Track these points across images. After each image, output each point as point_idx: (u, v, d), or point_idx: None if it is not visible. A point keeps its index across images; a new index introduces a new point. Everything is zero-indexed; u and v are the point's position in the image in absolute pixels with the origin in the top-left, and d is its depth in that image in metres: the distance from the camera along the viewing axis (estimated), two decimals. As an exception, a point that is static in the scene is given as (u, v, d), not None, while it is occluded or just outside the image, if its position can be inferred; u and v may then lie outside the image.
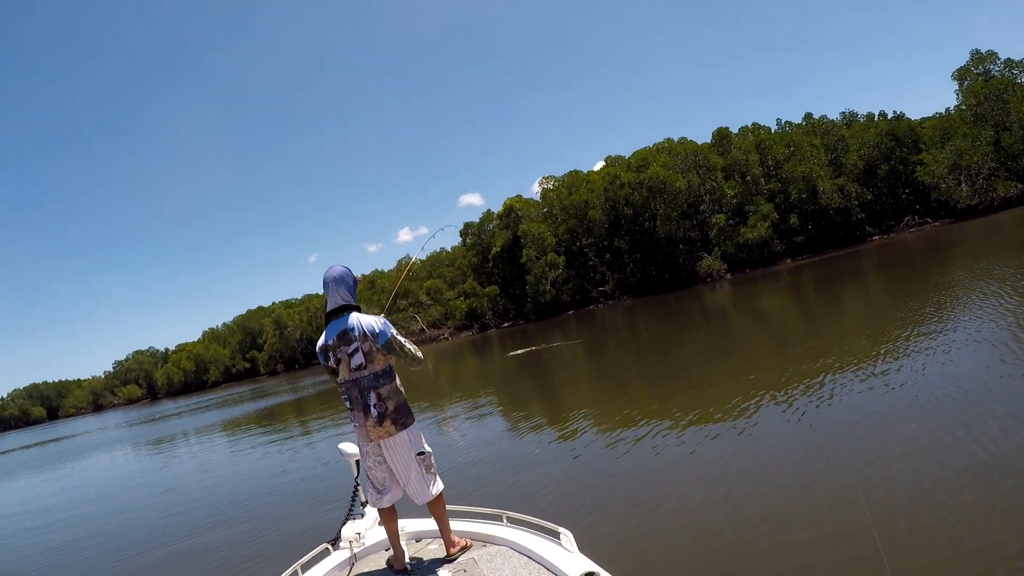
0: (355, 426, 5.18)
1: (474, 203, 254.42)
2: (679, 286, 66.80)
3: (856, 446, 8.95)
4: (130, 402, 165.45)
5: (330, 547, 5.75)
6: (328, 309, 5.21)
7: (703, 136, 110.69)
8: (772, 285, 45.04)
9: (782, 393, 12.81)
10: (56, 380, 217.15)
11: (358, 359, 5.03)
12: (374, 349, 5.04)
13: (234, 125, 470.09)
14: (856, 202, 68.07)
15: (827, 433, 9.75)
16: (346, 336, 5.05)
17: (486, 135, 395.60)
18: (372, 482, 5.31)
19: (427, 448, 5.28)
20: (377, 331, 5.04)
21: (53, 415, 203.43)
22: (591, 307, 71.88)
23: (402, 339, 5.17)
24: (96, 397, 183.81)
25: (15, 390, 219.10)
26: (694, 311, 40.68)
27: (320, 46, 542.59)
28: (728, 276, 66.15)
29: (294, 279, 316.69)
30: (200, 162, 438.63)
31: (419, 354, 5.29)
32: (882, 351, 14.47)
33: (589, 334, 40.68)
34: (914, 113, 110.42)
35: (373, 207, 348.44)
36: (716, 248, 68.19)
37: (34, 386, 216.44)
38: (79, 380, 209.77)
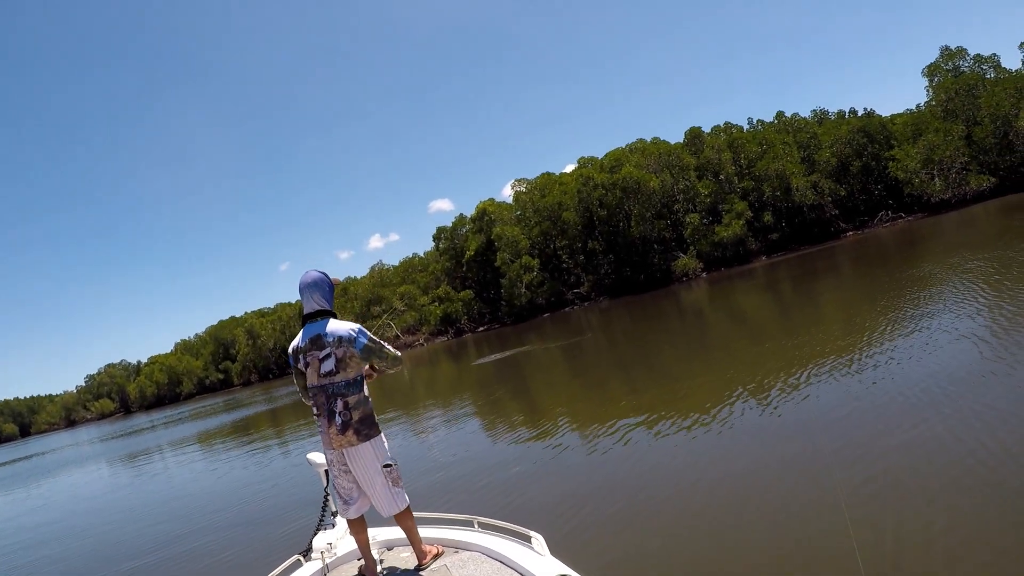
0: (320, 433, 5.12)
1: (444, 208, 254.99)
2: (655, 286, 66.62)
3: (836, 444, 8.82)
4: (103, 416, 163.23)
5: (302, 558, 5.67)
6: (305, 312, 5.17)
7: (675, 136, 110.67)
8: (748, 283, 44.85)
9: (760, 391, 12.60)
10: (28, 396, 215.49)
11: (329, 364, 4.97)
12: (348, 355, 4.96)
13: (204, 136, 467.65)
14: (829, 199, 68.05)
15: (806, 432, 9.54)
16: (319, 341, 5.01)
17: (455, 141, 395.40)
18: (339, 492, 5.25)
19: (392, 460, 5.16)
20: (353, 337, 4.98)
21: (25, 432, 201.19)
22: (567, 309, 71.50)
23: (378, 340, 5.11)
24: (69, 412, 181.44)
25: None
26: (670, 310, 40.60)
27: (288, 58, 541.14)
28: (704, 275, 65.85)
29: (266, 288, 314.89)
30: (169, 174, 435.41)
31: (398, 353, 5.25)
32: (861, 347, 14.24)
33: (565, 336, 40.32)
34: (884, 110, 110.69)
35: (343, 215, 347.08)
36: (691, 247, 67.98)
37: (5, 403, 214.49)
38: (51, 395, 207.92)
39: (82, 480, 31.58)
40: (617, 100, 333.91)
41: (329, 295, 5.22)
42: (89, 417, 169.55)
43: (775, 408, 11.21)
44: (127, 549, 13.54)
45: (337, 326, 5.02)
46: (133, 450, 41.01)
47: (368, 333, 5.07)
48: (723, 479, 8.57)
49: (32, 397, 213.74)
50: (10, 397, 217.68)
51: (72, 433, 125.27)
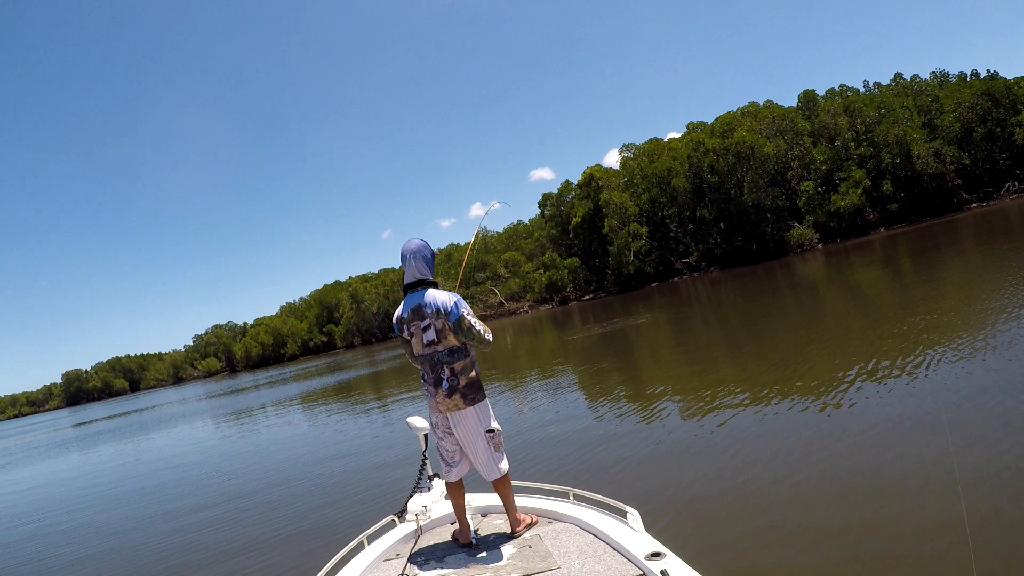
0: (427, 397, 5.29)
1: (545, 177, 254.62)
2: (767, 257, 65.07)
3: (958, 431, 8.23)
4: (209, 375, 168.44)
5: (396, 519, 5.95)
6: (406, 282, 5.30)
7: (787, 99, 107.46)
8: (866, 257, 43.21)
9: (877, 376, 11.88)
10: (138, 354, 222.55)
11: (430, 335, 5.11)
12: (446, 327, 5.06)
13: (307, 108, 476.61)
14: (952, 167, 64.62)
15: (926, 422, 8.91)
16: (420, 311, 5.14)
17: (555, 110, 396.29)
18: (441, 454, 5.41)
19: (496, 426, 5.29)
20: (449, 309, 5.07)
21: (135, 387, 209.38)
22: (675, 279, 70.53)
23: (472, 320, 5.13)
24: (176, 370, 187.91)
25: (99, 363, 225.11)
26: (784, 284, 39.36)
27: (392, 27, 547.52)
28: (819, 246, 63.89)
29: (369, 254, 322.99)
30: (278, 144, 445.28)
31: (488, 336, 5.22)
32: (987, 330, 13.33)
33: (674, 308, 39.97)
34: (1008, 72, 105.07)
35: (445, 183, 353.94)
36: (808, 216, 65.75)
37: (117, 359, 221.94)
38: (160, 353, 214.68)
39: (189, 435, 32.57)
40: (717, 65, 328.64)
41: (431, 263, 5.32)
42: (196, 375, 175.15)
43: (892, 394, 10.55)
44: (225, 504, 13.89)
45: (436, 296, 5.13)
46: (237, 408, 41.98)
47: (465, 305, 5.13)
48: (833, 468, 8.11)
49: (142, 355, 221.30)
50: (121, 355, 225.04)
51: (179, 390, 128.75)
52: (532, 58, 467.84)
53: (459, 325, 5.02)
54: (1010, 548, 5.48)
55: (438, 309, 5.04)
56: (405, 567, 5.00)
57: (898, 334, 15.22)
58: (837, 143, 67.93)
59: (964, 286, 20.93)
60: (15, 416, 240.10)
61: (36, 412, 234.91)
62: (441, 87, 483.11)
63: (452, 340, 5.09)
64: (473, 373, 5.17)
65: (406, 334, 5.26)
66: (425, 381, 5.24)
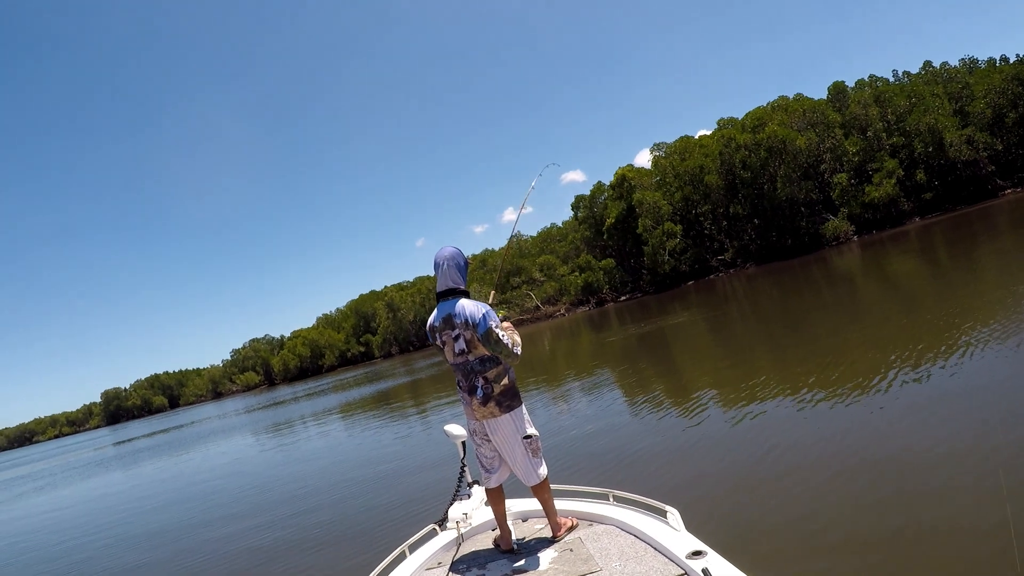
0: (463, 404, 5.34)
1: (576, 179, 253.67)
2: (803, 251, 64.79)
3: (999, 424, 8.14)
4: (248, 389, 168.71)
5: (437, 527, 6.00)
6: (438, 290, 5.30)
7: (817, 92, 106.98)
8: (902, 247, 43.20)
9: (917, 369, 11.86)
10: (177, 370, 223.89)
11: (460, 345, 5.12)
12: (475, 337, 5.06)
13: (341, 121, 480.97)
14: (985, 154, 63.89)
15: (969, 417, 8.81)
16: (450, 321, 5.15)
17: (586, 111, 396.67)
18: (480, 461, 5.46)
19: (533, 431, 5.33)
20: (477, 321, 5.06)
21: (174, 403, 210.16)
22: (711, 277, 70.38)
23: (500, 332, 5.09)
24: (215, 385, 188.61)
25: (137, 381, 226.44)
26: (820, 277, 39.30)
27: (424, 42, 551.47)
28: (855, 238, 63.54)
29: (403, 263, 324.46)
30: (312, 157, 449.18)
31: (517, 350, 5.21)
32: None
33: (710, 306, 40.02)
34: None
35: (477, 190, 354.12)
36: (842, 209, 65.28)
37: (155, 376, 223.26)
38: (198, 369, 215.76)
39: (230, 448, 33.19)
40: (753, 63, 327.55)
41: (464, 271, 5.31)
42: (234, 389, 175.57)
43: (934, 386, 10.54)
44: (268, 512, 14.36)
45: (465, 307, 5.11)
46: (277, 420, 42.47)
47: (494, 317, 5.12)
48: (875, 462, 8.13)
49: (181, 371, 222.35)
50: (160, 371, 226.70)
51: (218, 405, 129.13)
52: (559, 63, 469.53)
53: (487, 337, 5.03)
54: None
55: (467, 320, 5.06)
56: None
57: (934, 323, 15.40)
58: (869, 134, 67.57)
59: (1001, 272, 21.00)
60: (56, 436, 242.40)
61: (76, 432, 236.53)
62: (472, 95, 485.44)
63: (482, 350, 5.11)
64: (507, 380, 5.19)
65: (439, 342, 5.29)
66: (460, 389, 5.28)
